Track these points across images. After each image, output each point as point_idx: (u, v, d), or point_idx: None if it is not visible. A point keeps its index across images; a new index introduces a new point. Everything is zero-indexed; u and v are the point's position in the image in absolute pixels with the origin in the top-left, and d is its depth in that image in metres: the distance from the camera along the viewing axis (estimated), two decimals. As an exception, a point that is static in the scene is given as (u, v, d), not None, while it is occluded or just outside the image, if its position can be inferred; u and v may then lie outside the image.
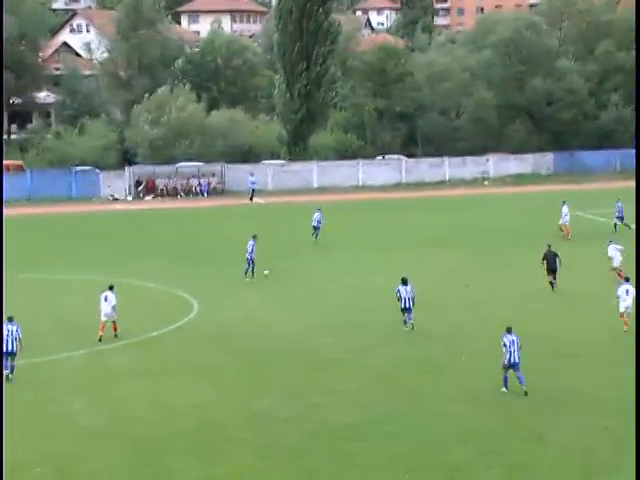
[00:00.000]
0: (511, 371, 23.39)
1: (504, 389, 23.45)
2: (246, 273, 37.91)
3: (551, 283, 34.44)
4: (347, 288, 36.32)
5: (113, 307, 28.71)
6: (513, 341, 23.34)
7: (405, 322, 29.32)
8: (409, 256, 41.32)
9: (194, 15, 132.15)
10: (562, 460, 19.47)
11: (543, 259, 34.82)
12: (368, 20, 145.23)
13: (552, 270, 34.42)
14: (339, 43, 79.05)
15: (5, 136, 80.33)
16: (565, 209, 46.61)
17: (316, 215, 47.09)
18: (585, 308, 32.47)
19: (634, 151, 76.66)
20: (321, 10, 75.42)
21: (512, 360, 23.22)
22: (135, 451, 20.14)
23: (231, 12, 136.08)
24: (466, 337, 28.78)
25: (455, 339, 28.64)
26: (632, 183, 67.56)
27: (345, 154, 77.89)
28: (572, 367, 25.74)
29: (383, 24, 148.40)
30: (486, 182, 75.06)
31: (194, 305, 33.50)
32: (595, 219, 52.65)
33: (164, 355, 27.48)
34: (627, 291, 28.86)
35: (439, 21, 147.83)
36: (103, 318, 28.76)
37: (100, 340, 28.37)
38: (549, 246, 35.26)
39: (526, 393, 23.03)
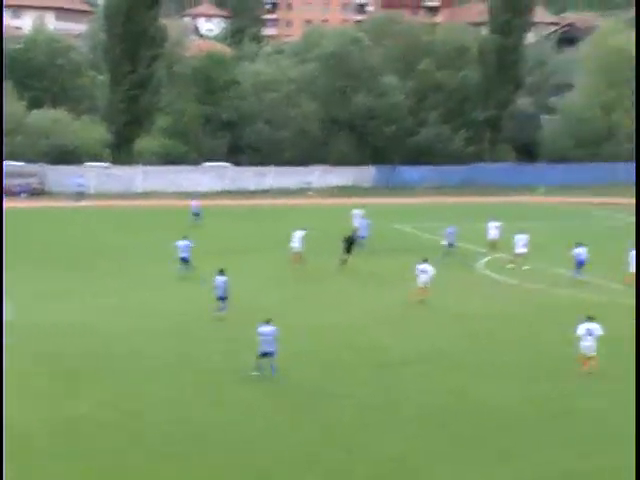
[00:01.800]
0: (265, 360, 25.13)
1: (256, 372, 25.13)
2: (182, 271, 38.93)
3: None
4: (165, 294, 36.16)
5: None
6: (269, 331, 25.08)
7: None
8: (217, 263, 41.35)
9: (17, 10, 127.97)
10: (374, 468, 20.02)
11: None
12: (197, 26, 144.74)
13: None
14: (166, 48, 78.59)
15: None
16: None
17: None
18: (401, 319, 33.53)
19: (451, 167, 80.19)
20: (148, 14, 74.85)
21: (266, 350, 25.03)
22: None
23: (55, 9, 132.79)
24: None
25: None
26: (450, 199, 71.37)
27: (170, 159, 77.42)
28: (391, 376, 26.51)
29: (212, 31, 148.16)
30: (310, 193, 76.27)
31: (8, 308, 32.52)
32: (413, 232, 54.37)
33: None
34: None
35: (267, 31, 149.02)
36: None
37: None
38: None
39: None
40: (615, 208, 66.05)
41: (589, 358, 26.55)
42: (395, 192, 74.31)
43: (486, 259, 44.76)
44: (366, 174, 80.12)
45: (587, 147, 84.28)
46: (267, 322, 25.51)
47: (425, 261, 36.35)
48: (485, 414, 23.16)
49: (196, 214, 55.77)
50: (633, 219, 59.60)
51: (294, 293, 37.10)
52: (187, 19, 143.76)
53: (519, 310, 34.71)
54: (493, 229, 46.86)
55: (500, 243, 46.00)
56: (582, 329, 26.71)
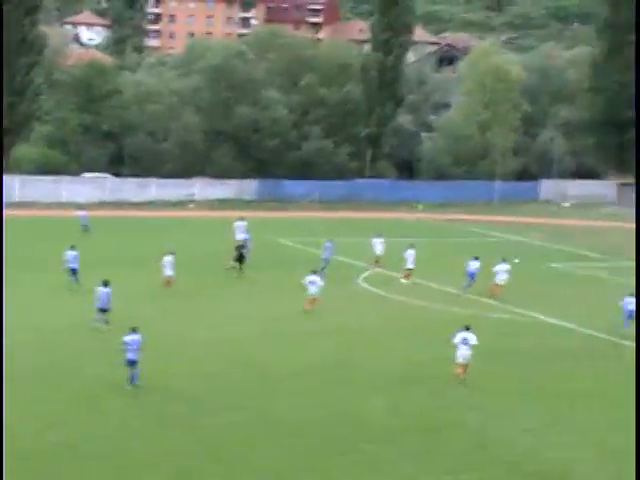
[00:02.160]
0: (128, 368, 25.42)
1: (128, 386, 25.45)
2: (72, 282, 38.29)
3: None
4: (47, 304, 35.52)
5: None
6: (134, 340, 25.41)
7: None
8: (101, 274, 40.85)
9: None
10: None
11: None
12: (78, 35, 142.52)
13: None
14: (45, 55, 77.10)
15: None
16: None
17: None
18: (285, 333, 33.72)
19: (334, 182, 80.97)
20: (27, 20, 73.34)
21: (130, 358, 25.35)
22: None
23: None
24: (164, 358, 29.02)
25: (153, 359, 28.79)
26: (333, 214, 72.12)
27: (49, 169, 75.88)
28: (269, 390, 26.66)
29: (93, 40, 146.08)
30: (191, 205, 75.89)
31: None
32: (296, 246, 54.70)
33: None
34: None
35: (150, 42, 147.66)
36: None
37: None
38: None
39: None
40: (489, 226, 67.83)
41: (463, 366, 27.54)
42: (278, 206, 74.58)
43: (367, 274, 45.38)
44: (249, 187, 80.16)
45: (464, 165, 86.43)
46: (133, 331, 25.72)
47: (314, 273, 36.98)
48: (358, 427, 23.54)
49: (84, 225, 55.86)
50: (507, 236, 61.50)
51: (175, 306, 36.89)
52: (68, 27, 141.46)
53: (398, 324, 35.33)
54: (378, 244, 47.48)
55: (383, 258, 46.71)
56: (458, 337, 27.73)
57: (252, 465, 20.81)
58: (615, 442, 23.24)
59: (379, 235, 47.76)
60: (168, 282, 40.12)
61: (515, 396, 26.73)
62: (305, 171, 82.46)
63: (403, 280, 43.74)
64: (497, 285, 40.70)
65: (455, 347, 27.58)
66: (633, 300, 34.40)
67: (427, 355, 30.77)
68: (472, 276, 41.00)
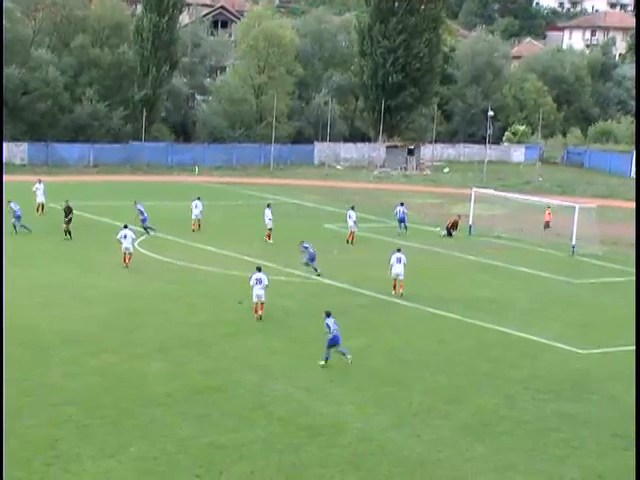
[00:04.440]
0: (333, 349, 26.54)
1: (322, 362, 26.55)
2: None
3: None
4: None
5: None
6: (334, 322, 26.61)
7: None
8: None
9: None
10: (24, 452, 20.02)
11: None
12: None
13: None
14: None
15: None
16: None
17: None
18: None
19: (109, 145, 79.55)
20: None
21: (334, 339, 26.50)
22: None
23: None
24: None
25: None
26: (108, 177, 71.00)
27: None
28: (39, 358, 26.36)
29: None
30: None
31: None
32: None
33: None
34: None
35: None
36: None
37: None
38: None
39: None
40: (264, 188, 68.92)
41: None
42: (51, 170, 72.58)
43: (142, 238, 45.20)
44: (19, 151, 77.48)
45: (240, 128, 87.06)
46: (328, 315, 26.75)
47: (126, 227, 38.62)
48: (137, 392, 23.83)
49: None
50: (283, 198, 62.81)
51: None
52: None
53: (177, 287, 35.62)
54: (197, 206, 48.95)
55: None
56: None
57: (30, 435, 20.69)
58: (388, 394, 24.62)
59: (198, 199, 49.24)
60: None
61: (293, 356, 27.72)
62: (79, 134, 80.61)
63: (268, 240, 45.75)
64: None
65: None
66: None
67: (208, 317, 31.34)
68: (402, 220, 50.55)
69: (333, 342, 26.47)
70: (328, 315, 26.69)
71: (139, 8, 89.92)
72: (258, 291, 30.72)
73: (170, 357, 26.88)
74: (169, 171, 77.27)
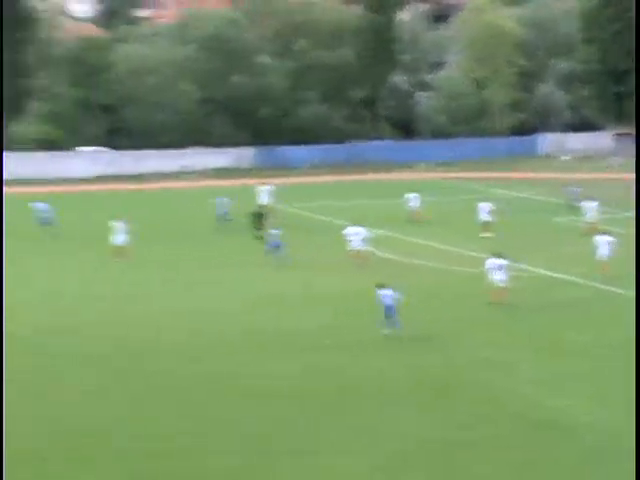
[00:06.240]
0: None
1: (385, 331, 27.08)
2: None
3: None
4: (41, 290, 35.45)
5: None
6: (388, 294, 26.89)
7: None
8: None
9: None
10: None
11: None
12: (67, 8, 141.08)
13: None
14: (38, 30, 76.58)
15: None
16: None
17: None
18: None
19: (332, 146, 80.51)
20: (17, -6, 72.85)
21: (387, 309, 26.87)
22: None
23: None
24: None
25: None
26: (333, 177, 71.87)
27: (45, 145, 75.62)
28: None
29: (85, 12, 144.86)
30: (190, 175, 75.59)
31: None
32: (298, 212, 54.38)
33: None
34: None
35: (141, 13, 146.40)
36: None
37: None
38: None
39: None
40: (489, 183, 67.47)
41: (501, 289, 31.02)
42: (277, 172, 74.23)
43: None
44: (246, 155, 79.83)
45: (462, 123, 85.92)
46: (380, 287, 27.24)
47: (355, 225, 38.21)
48: (378, 389, 23.49)
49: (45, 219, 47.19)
50: (510, 193, 61.27)
51: (190, 279, 36.81)
52: (59, 0, 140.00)
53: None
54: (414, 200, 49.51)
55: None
56: (490, 263, 31.31)
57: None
58: (620, 387, 23.18)
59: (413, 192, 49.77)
60: (119, 251, 39.41)
61: (520, 349, 26.69)
62: (303, 136, 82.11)
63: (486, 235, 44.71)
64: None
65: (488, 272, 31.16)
66: None
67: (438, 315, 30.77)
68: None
69: (386, 311, 26.94)
70: (381, 287, 27.09)
71: (358, 8, 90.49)
72: (497, 276, 30.80)
73: (405, 350, 26.48)
74: (392, 169, 77.21)
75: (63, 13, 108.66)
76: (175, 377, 24.05)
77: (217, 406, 21.99)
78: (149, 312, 31.04)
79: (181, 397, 22.59)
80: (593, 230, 41.84)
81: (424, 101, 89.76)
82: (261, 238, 41.75)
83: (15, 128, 75.49)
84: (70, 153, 75.43)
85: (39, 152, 74.24)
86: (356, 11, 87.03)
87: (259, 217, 43.25)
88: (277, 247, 37.89)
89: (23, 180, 69.57)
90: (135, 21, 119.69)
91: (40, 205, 47.33)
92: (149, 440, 19.72)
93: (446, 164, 78.79)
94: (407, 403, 22.38)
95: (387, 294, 26.93)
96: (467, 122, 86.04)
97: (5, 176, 70.80)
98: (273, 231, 39.11)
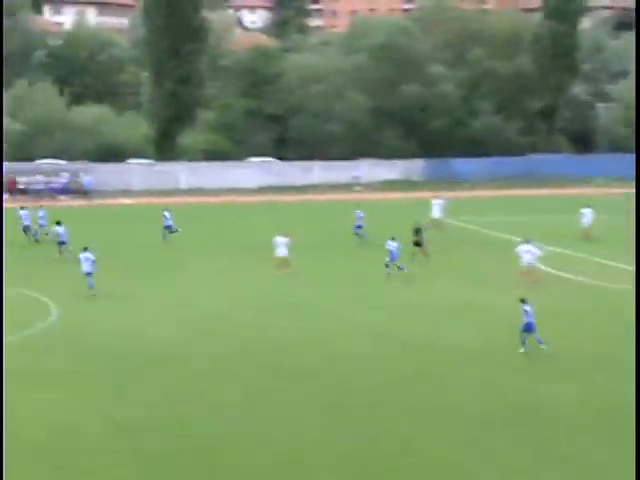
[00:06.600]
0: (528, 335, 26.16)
1: (522, 349, 26.20)
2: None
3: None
4: (215, 295, 34.30)
5: None
6: (529, 310, 26.05)
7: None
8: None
9: (57, 5, 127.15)
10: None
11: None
12: (240, 18, 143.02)
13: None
14: (209, 41, 76.89)
15: None
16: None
17: None
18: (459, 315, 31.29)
19: (505, 159, 77.48)
20: (191, 6, 73.17)
21: (530, 326, 26.07)
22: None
23: (97, 4, 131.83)
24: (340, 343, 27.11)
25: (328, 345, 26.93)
26: (504, 192, 68.95)
27: (214, 155, 75.75)
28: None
29: (255, 23, 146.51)
30: (357, 187, 74.07)
31: (52, 309, 31.29)
32: (465, 226, 52.14)
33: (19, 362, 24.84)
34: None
35: (312, 22, 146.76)
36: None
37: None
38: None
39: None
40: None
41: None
42: (446, 185, 71.75)
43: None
44: (415, 167, 77.72)
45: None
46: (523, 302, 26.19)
47: (528, 242, 35.94)
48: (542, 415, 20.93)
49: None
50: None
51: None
52: (230, 11, 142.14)
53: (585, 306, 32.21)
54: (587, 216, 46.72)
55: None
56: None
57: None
58: None
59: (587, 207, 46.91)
60: (281, 263, 38.21)
61: None
62: (474, 148, 79.34)
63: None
64: None
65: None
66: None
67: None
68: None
69: (527, 328, 26.14)
70: (523, 302, 26.28)
71: (536, 16, 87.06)
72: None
73: (579, 378, 23.75)
74: (567, 184, 73.47)
75: (235, 24, 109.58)
76: (372, 393, 22.13)
77: (408, 424, 20.39)
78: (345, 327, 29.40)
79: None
80: None
81: (603, 112, 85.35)
82: (413, 254, 40.08)
83: (184, 138, 75.93)
84: (240, 163, 75.23)
85: (210, 162, 74.35)
86: (534, 19, 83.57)
87: (417, 232, 41.48)
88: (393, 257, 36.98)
89: (192, 190, 69.67)
90: (306, 30, 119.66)
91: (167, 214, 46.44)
92: None
93: (623, 179, 74.34)
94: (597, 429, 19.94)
95: (527, 309, 26.11)
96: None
97: (174, 186, 71.29)
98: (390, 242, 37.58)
